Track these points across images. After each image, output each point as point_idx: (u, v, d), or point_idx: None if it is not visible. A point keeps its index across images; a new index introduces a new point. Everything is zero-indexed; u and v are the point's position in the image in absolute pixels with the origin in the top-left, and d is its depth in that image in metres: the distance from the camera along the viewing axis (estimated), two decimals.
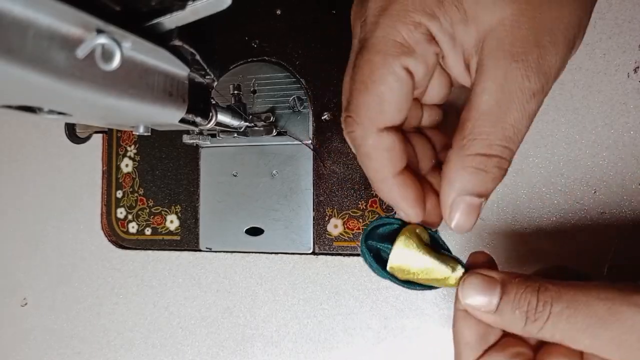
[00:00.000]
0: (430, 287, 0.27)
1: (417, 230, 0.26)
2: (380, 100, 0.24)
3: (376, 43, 0.24)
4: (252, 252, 0.42)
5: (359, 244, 0.27)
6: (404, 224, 0.27)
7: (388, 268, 0.26)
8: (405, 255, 0.26)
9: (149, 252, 0.45)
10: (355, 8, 0.27)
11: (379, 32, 0.24)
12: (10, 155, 0.50)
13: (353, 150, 0.26)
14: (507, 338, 0.26)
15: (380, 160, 0.25)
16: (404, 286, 0.27)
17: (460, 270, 0.26)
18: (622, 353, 0.22)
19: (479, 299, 0.24)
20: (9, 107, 0.20)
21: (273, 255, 0.42)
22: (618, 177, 0.35)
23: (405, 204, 0.26)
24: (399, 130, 0.25)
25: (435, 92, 0.28)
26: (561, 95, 0.36)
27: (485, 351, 0.26)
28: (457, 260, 0.26)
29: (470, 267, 0.26)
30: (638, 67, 0.35)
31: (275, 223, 0.41)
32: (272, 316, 0.41)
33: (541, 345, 0.26)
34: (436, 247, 0.27)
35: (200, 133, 0.35)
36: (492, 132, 0.23)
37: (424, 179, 0.28)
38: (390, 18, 0.23)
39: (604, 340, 0.22)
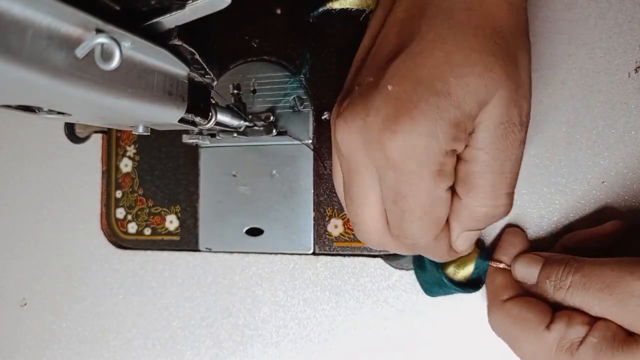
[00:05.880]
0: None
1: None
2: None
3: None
4: (252, 253, 0.42)
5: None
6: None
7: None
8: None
9: (149, 252, 0.45)
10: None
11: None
12: (9, 155, 0.50)
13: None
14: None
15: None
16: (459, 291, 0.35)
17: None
18: (624, 316, 0.27)
19: (524, 272, 0.32)
20: (9, 107, 0.20)
21: (273, 255, 0.41)
22: (619, 177, 0.35)
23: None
24: None
25: None
26: (561, 95, 0.36)
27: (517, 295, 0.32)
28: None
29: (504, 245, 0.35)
30: (639, 67, 0.35)
31: (275, 223, 0.41)
32: (271, 317, 0.41)
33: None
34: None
35: (200, 133, 0.35)
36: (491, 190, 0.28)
37: None
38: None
39: (609, 304, 0.27)
